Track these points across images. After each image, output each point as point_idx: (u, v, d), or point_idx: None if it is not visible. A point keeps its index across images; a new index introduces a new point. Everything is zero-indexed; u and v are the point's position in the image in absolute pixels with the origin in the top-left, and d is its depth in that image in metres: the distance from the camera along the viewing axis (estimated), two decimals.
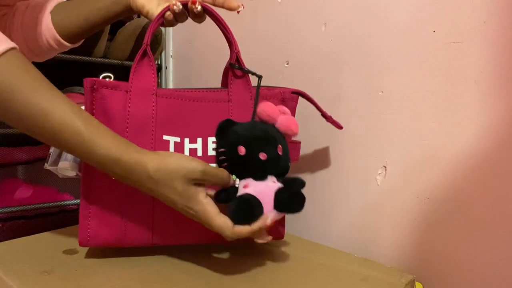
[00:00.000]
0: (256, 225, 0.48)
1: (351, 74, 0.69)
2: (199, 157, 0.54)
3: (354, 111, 0.69)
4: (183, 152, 0.55)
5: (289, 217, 0.81)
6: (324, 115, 0.65)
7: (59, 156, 0.60)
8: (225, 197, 0.49)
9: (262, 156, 0.49)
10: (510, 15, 0.52)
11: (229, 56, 0.60)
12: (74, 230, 0.65)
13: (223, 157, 0.51)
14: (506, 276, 0.54)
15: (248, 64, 0.65)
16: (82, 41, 0.68)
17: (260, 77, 0.56)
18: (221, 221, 0.47)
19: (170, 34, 1.07)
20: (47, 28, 0.62)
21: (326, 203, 0.75)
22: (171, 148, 0.54)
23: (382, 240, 0.67)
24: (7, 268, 0.51)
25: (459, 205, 0.58)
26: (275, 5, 0.81)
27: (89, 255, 0.56)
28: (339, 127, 0.67)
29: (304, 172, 0.78)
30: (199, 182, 0.47)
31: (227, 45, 0.60)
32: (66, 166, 0.59)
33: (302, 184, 0.54)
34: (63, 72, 0.89)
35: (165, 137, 0.54)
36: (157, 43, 0.95)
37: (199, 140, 0.56)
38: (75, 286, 0.47)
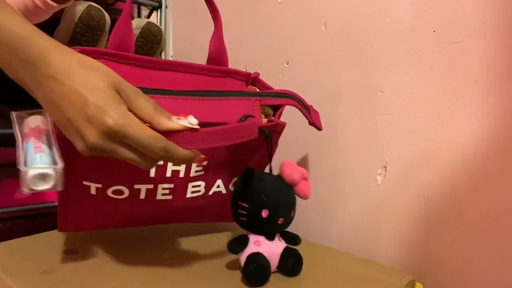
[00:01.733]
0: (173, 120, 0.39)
1: (351, 74, 0.69)
2: (180, 178, 0.54)
3: (354, 111, 0.69)
4: (165, 174, 0.53)
5: None
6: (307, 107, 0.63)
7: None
8: (236, 248, 0.52)
9: (280, 221, 0.52)
10: (510, 15, 0.52)
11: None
12: None
13: (244, 212, 0.51)
14: (506, 276, 0.54)
15: (248, 64, 0.65)
16: (70, 2, 0.64)
17: (269, 136, 0.55)
18: (150, 131, 0.38)
19: (170, 34, 1.07)
20: None
21: (326, 203, 0.75)
22: (152, 172, 0.52)
23: (382, 240, 0.67)
24: (7, 268, 0.51)
25: (459, 205, 0.58)
26: (275, 5, 0.81)
27: (89, 255, 0.56)
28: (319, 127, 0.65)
29: None
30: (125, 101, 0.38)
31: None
32: (38, 173, 0.41)
33: (299, 242, 0.57)
34: None
35: None
36: (157, 43, 0.94)
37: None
38: (75, 286, 0.47)
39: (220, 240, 0.64)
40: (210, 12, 0.62)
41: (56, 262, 0.53)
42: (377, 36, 0.65)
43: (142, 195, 0.53)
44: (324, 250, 0.64)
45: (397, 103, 0.64)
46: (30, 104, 0.97)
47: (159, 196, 0.54)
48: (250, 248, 0.51)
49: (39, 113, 0.47)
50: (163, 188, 0.54)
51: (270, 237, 0.53)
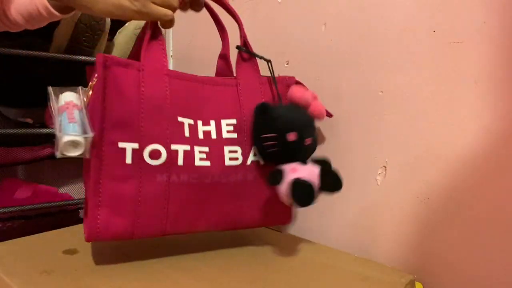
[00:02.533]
0: None
1: (351, 74, 0.69)
2: (214, 140, 0.55)
3: (354, 111, 0.69)
4: (197, 135, 0.54)
5: None
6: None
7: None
8: (276, 180, 0.51)
9: (308, 141, 0.52)
10: (510, 15, 0.52)
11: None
12: (74, 230, 0.65)
13: (273, 142, 0.52)
14: (506, 276, 0.54)
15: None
16: (74, 11, 0.64)
17: (269, 61, 0.58)
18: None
19: (170, 34, 1.07)
20: None
21: (326, 203, 0.75)
22: (186, 130, 0.53)
23: (382, 240, 0.67)
24: (7, 268, 0.51)
25: (459, 205, 0.58)
26: (275, 5, 0.81)
27: (89, 255, 0.56)
28: (330, 115, 0.68)
29: None
30: None
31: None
32: (71, 140, 0.47)
33: (331, 164, 0.56)
34: (63, 72, 0.89)
35: (180, 119, 0.53)
36: None
37: (212, 122, 0.55)
38: (75, 286, 0.47)
39: (220, 239, 0.64)
40: (218, 30, 0.62)
41: (56, 262, 0.53)
42: (377, 36, 0.65)
43: (180, 160, 0.51)
44: (324, 250, 0.64)
45: (397, 103, 0.64)
46: (30, 104, 0.98)
47: (197, 162, 0.52)
48: (289, 176, 0.51)
49: (73, 90, 0.52)
50: (200, 152, 0.53)
51: (303, 162, 0.53)
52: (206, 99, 0.56)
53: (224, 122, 0.56)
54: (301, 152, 0.53)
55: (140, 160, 0.50)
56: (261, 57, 0.58)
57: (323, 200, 0.75)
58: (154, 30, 0.53)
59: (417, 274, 0.60)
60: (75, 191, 1.05)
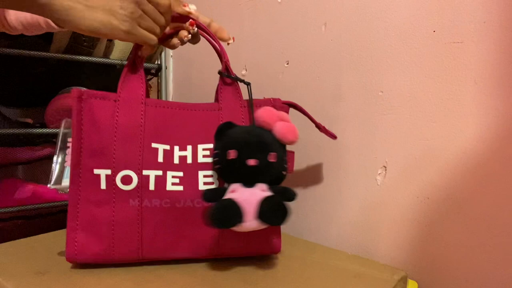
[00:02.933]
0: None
1: (351, 74, 0.69)
2: (188, 164, 0.55)
3: (354, 111, 0.69)
4: (172, 160, 0.55)
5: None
6: (317, 126, 0.66)
7: (61, 173, 0.60)
8: (211, 197, 0.50)
9: (251, 162, 0.49)
10: (510, 15, 0.52)
11: (228, 56, 0.61)
12: None
13: (216, 159, 0.52)
14: (505, 276, 0.54)
15: (248, 64, 0.65)
16: None
17: (248, 84, 0.58)
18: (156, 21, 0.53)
19: None
20: None
21: (326, 203, 0.75)
22: (160, 156, 0.54)
23: (382, 240, 0.67)
24: (2, 269, 0.51)
25: (459, 205, 0.58)
26: (275, 5, 0.81)
27: None
28: (333, 137, 0.67)
29: (304, 172, 0.78)
30: None
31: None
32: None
33: (291, 196, 0.52)
34: (64, 72, 0.89)
35: (154, 145, 0.54)
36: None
37: (189, 147, 0.56)
38: (69, 286, 0.47)
39: None
40: (218, 55, 0.63)
41: (50, 263, 0.53)
42: (377, 36, 0.65)
43: (152, 185, 0.53)
44: (318, 248, 0.64)
45: (397, 103, 0.64)
46: (30, 104, 0.97)
47: (169, 186, 0.53)
48: (226, 196, 0.49)
49: None
50: (173, 176, 0.54)
51: (248, 185, 0.50)
52: (184, 124, 0.57)
53: (200, 147, 0.56)
54: (242, 172, 0.50)
55: (113, 185, 0.53)
56: (241, 81, 0.58)
57: (323, 200, 0.75)
58: (134, 58, 0.55)
59: (417, 274, 0.60)
60: None
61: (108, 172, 0.52)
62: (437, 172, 0.60)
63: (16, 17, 0.62)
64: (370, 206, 0.68)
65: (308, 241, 0.67)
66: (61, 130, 0.60)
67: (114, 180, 0.52)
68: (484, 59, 0.54)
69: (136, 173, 0.53)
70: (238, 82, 0.59)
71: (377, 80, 0.66)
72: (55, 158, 0.59)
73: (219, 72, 0.60)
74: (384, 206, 0.66)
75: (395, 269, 0.57)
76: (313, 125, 0.66)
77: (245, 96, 0.59)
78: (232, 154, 0.50)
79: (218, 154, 0.52)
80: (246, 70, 0.87)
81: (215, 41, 0.60)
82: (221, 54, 0.60)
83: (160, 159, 0.54)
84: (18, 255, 0.55)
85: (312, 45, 0.75)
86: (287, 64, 0.80)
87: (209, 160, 0.56)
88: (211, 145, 0.56)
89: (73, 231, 0.52)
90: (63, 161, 0.59)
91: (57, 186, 0.59)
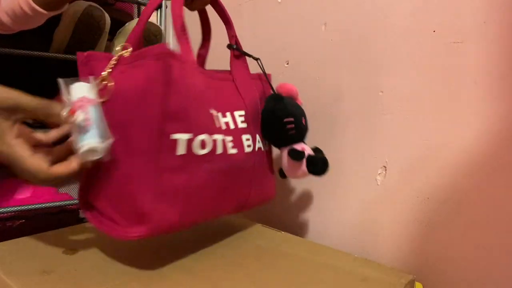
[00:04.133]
0: (76, 164, 0.45)
1: (351, 74, 0.69)
2: (232, 130, 0.57)
3: (354, 111, 0.69)
4: (221, 125, 0.56)
5: (289, 217, 0.81)
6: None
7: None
8: (301, 155, 0.62)
9: (304, 124, 0.64)
10: (510, 15, 0.52)
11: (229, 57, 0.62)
12: (74, 230, 0.65)
13: (292, 125, 0.62)
14: (506, 276, 0.54)
15: (248, 64, 0.65)
16: (63, 9, 0.60)
17: (257, 59, 0.63)
18: (35, 164, 0.43)
19: (170, 34, 1.07)
20: None
21: (326, 203, 0.75)
22: (217, 122, 0.55)
23: (382, 240, 0.67)
24: (7, 268, 0.51)
25: (459, 205, 0.58)
26: (275, 5, 0.81)
27: (89, 255, 0.56)
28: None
29: None
30: (10, 114, 0.43)
31: (226, 43, 0.63)
32: (91, 148, 0.46)
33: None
34: (63, 72, 0.89)
35: (211, 111, 0.55)
36: (157, 43, 0.94)
37: (228, 114, 0.58)
38: (75, 286, 0.47)
39: (219, 239, 0.64)
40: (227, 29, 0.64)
41: (56, 262, 0.53)
42: (377, 36, 0.65)
43: (219, 149, 0.54)
44: (324, 250, 0.64)
45: (397, 103, 0.64)
46: None
47: (229, 150, 0.56)
48: (306, 153, 0.63)
49: (85, 81, 0.49)
50: (230, 141, 0.56)
51: (303, 142, 0.64)
52: (218, 92, 0.58)
53: (236, 113, 0.59)
54: (304, 134, 0.64)
55: (190, 150, 0.50)
56: (250, 56, 0.63)
57: (324, 200, 0.75)
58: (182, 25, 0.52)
59: (417, 274, 0.60)
60: (75, 191, 1.04)
61: (188, 136, 0.49)
62: (437, 172, 0.60)
63: (1, 8, 0.57)
64: (370, 206, 0.68)
65: (312, 242, 0.67)
66: (65, 92, 0.48)
67: (192, 145, 0.50)
68: (484, 59, 0.54)
69: (210, 137, 0.52)
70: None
71: (377, 80, 0.66)
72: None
73: (229, 46, 0.62)
74: (384, 206, 0.66)
75: (402, 273, 0.56)
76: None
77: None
78: (304, 121, 0.63)
79: (294, 121, 0.62)
80: None
81: (224, 12, 0.62)
82: (230, 28, 0.63)
83: (217, 124, 0.55)
84: (22, 253, 0.55)
85: (312, 45, 0.75)
86: (287, 64, 0.80)
87: (245, 125, 0.60)
88: (243, 112, 0.60)
89: (152, 202, 0.48)
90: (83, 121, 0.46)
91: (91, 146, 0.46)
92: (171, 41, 1.07)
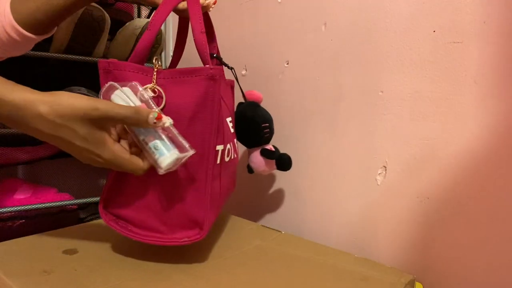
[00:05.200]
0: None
1: (351, 74, 0.69)
2: (232, 135, 0.61)
3: (354, 111, 0.69)
4: (230, 132, 0.60)
5: (289, 217, 0.81)
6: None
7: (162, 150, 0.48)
8: (272, 154, 0.71)
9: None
10: (510, 15, 0.52)
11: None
12: (74, 230, 0.65)
13: (267, 130, 0.71)
14: (506, 276, 0.54)
15: (248, 64, 0.65)
16: (52, 32, 0.57)
17: (232, 68, 0.67)
18: (135, 164, 0.47)
19: (170, 34, 1.07)
20: (4, 14, 0.51)
21: (326, 203, 0.75)
22: (227, 129, 0.58)
23: (382, 240, 0.67)
24: (7, 268, 0.51)
25: (459, 205, 0.58)
26: (275, 5, 0.81)
27: (89, 255, 0.56)
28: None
29: (304, 172, 0.78)
30: (102, 124, 0.44)
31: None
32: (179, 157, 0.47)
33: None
34: (63, 72, 0.89)
35: (227, 120, 0.59)
36: (157, 43, 0.94)
37: (228, 121, 0.60)
38: (75, 286, 0.47)
39: (219, 239, 0.64)
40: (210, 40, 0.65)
41: (56, 262, 0.53)
42: (377, 36, 0.65)
43: (232, 154, 0.60)
44: (324, 250, 0.64)
45: (397, 103, 0.64)
46: None
47: (232, 154, 0.60)
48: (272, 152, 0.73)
49: (134, 88, 0.49)
50: (232, 146, 0.61)
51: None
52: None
53: (228, 120, 0.60)
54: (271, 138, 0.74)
55: (222, 159, 0.56)
56: (226, 65, 0.65)
57: (323, 200, 0.75)
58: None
59: (417, 274, 0.60)
60: (75, 191, 1.05)
61: (222, 147, 0.55)
62: (437, 172, 0.60)
63: None
64: (370, 206, 0.68)
65: (312, 242, 0.67)
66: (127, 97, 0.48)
67: (224, 154, 0.56)
68: (484, 59, 0.54)
69: (230, 145, 0.59)
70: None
71: (377, 80, 0.66)
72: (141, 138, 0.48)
73: (211, 55, 0.63)
74: (384, 206, 0.66)
75: (402, 273, 0.56)
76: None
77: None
78: (272, 124, 0.72)
79: (269, 126, 0.71)
80: (246, 70, 0.87)
81: (212, 27, 0.64)
82: (213, 40, 0.65)
83: (228, 131, 0.59)
84: (23, 253, 0.55)
85: (312, 45, 0.75)
86: (287, 64, 0.80)
87: (233, 130, 0.63)
88: (230, 118, 0.63)
89: (205, 209, 0.52)
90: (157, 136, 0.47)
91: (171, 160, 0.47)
92: (171, 42, 1.07)
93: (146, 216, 0.53)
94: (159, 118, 0.45)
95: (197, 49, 0.53)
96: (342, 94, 0.71)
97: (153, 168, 0.48)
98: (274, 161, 0.72)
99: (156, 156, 0.47)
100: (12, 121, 0.42)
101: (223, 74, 0.54)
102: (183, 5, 0.57)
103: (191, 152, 0.48)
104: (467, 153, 0.57)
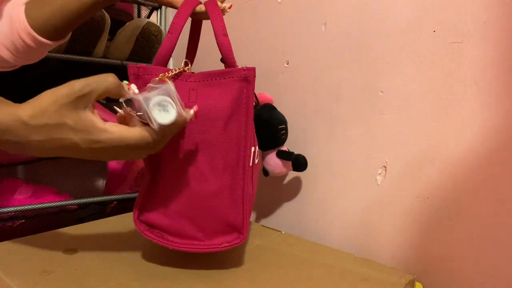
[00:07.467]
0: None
1: (351, 74, 0.69)
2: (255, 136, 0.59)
3: (354, 111, 0.69)
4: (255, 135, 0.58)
5: (289, 217, 0.81)
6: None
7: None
8: (289, 157, 0.71)
9: None
10: (510, 15, 0.52)
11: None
12: (74, 230, 0.65)
13: (284, 131, 0.71)
14: (506, 276, 0.54)
15: (248, 64, 0.65)
16: (67, 37, 0.58)
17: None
18: (141, 132, 0.42)
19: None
20: (19, 20, 0.51)
21: (326, 203, 0.75)
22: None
23: (382, 240, 0.67)
24: (7, 268, 0.51)
25: (459, 205, 0.58)
26: (275, 5, 0.81)
27: (89, 255, 0.56)
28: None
29: (304, 172, 0.78)
30: (86, 102, 0.41)
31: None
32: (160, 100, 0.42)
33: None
34: (63, 72, 0.89)
35: None
36: (157, 43, 0.94)
37: None
38: (75, 286, 0.47)
39: None
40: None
41: (56, 262, 0.53)
42: (377, 36, 0.65)
43: (257, 156, 0.58)
44: (324, 250, 0.64)
45: (397, 103, 0.64)
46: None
47: (257, 157, 0.58)
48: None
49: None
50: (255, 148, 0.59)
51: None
52: None
53: None
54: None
55: (254, 161, 0.55)
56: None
57: (324, 200, 0.75)
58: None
59: (417, 274, 0.60)
60: (75, 191, 1.04)
61: (253, 149, 0.54)
62: (437, 172, 0.60)
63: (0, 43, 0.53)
64: (370, 206, 0.68)
65: (312, 242, 0.67)
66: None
67: (255, 156, 0.54)
68: (484, 59, 0.54)
69: (255, 148, 0.56)
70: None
71: (377, 80, 0.66)
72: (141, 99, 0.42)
73: (222, 60, 0.62)
74: (384, 206, 0.66)
75: (403, 273, 0.56)
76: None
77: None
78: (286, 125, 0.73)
79: (285, 127, 0.72)
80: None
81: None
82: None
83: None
84: (23, 253, 0.55)
85: (312, 45, 0.75)
86: (287, 64, 0.80)
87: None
88: None
89: (243, 213, 0.52)
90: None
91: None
92: None
93: (181, 224, 0.52)
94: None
95: (221, 52, 0.52)
96: (342, 94, 0.71)
97: (185, 175, 0.48)
98: (290, 162, 0.71)
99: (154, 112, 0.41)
100: (8, 143, 0.41)
101: (255, 75, 0.52)
102: (200, 8, 0.57)
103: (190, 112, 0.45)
104: (467, 153, 0.57)
